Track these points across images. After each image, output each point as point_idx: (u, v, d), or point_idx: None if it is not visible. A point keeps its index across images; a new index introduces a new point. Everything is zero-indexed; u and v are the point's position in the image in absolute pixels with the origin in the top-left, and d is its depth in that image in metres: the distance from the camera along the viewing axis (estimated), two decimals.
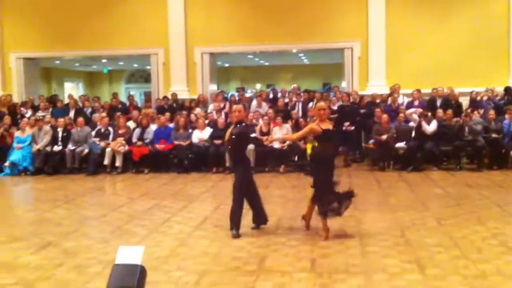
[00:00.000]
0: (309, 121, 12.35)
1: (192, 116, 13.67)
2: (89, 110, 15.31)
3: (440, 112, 12.54)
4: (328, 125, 6.81)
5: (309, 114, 12.91)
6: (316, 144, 6.91)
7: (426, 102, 13.70)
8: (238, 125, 7.01)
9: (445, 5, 15.30)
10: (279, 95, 16.05)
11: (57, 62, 22.44)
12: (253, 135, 11.30)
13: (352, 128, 13.26)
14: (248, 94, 20.24)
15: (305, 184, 10.60)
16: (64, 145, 12.96)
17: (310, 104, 14.09)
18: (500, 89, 14.37)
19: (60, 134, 13.16)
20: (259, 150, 12.04)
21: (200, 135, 12.86)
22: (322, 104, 7.03)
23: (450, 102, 13.57)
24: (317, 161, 6.86)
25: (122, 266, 3.29)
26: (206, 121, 13.30)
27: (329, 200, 6.63)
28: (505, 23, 15.02)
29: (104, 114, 14.06)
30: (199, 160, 12.72)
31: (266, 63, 28.76)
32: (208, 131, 12.92)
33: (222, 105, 14.64)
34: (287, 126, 12.54)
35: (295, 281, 5.20)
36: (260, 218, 7.21)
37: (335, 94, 14.83)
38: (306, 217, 7.08)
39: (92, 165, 12.59)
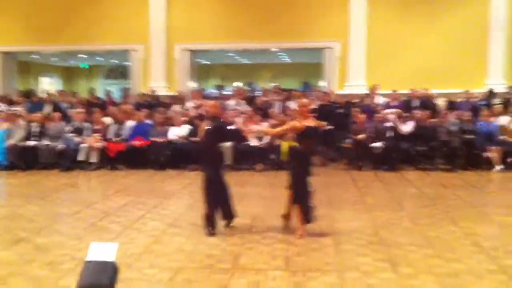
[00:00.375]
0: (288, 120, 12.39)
1: (170, 113, 13.58)
2: (65, 105, 15.12)
3: (417, 112, 12.65)
4: (310, 123, 6.73)
5: (287, 113, 12.92)
6: (294, 142, 6.84)
7: (404, 102, 13.81)
8: (213, 121, 6.93)
9: (426, 8, 15.45)
10: (258, 93, 16.04)
11: (35, 56, 22.14)
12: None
13: (331, 127, 13.27)
14: (227, 91, 20.17)
15: (281, 182, 10.61)
16: (39, 140, 12.78)
17: (289, 103, 14.11)
18: (477, 91, 14.54)
19: (35, 129, 12.97)
20: (236, 148, 12.01)
21: (178, 132, 12.78)
22: (305, 101, 7.01)
23: (427, 103, 13.70)
24: (297, 159, 6.81)
25: (94, 263, 3.24)
26: (183, 119, 13.21)
27: (312, 208, 6.72)
28: (484, 26, 15.20)
29: (80, 109, 13.89)
30: (176, 157, 12.65)
31: (247, 61, 28.74)
32: (185, 128, 12.85)
33: (200, 102, 14.55)
34: (266, 124, 12.53)
35: (270, 279, 5.20)
36: (228, 214, 7.12)
37: (314, 93, 14.84)
38: (286, 216, 7.06)
39: (66, 160, 12.44)
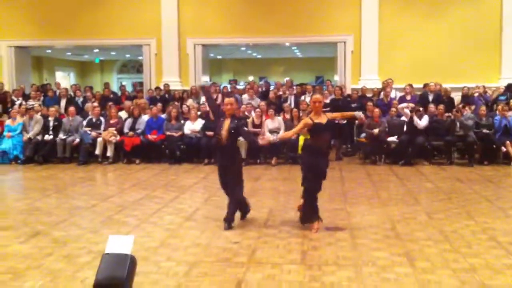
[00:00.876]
0: (302, 115, 12.39)
1: (184, 108, 13.63)
2: (81, 99, 15.24)
3: (431, 107, 12.58)
4: (322, 118, 6.67)
5: (301, 107, 12.91)
6: (309, 137, 6.85)
7: (418, 97, 13.75)
8: (233, 119, 6.92)
9: (439, 1, 15.33)
10: (271, 87, 16.04)
11: (49, 51, 22.25)
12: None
13: (344, 121, 13.27)
14: (240, 86, 20.19)
15: (296, 176, 10.63)
16: (55, 135, 12.89)
17: (303, 97, 14.11)
18: (492, 86, 14.43)
19: (51, 123, 13.08)
20: (250, 142, 12.00)
21: (192, 127, 12.82)
22: (317, 96, 6.94)
23: (442, 98, 13.62)
24: (308, 153, 6.79)
25: (112, 255, 3.25)
26: (198, 113, 13.26)
27: (313, 209, 6.74)
28: (498, 20, 15.09)
29: (95, 104, 13.98)
30: (191, 152, 12.71)
31: (259, 56, 28.73)
32: (200, 122, 12.89)
33: (214, 96, 14.59)
34: (279, 118, 12.54)
35: (285, 272, 5.20)
36: (245, 208, 7.17)
37: (327, 87, 14.81)
38: (301, 208, 7.02)
39: (83, 155, 12.54)
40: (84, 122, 13.15)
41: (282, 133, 8.02)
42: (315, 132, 6.67)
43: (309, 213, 6.76)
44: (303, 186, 6.77)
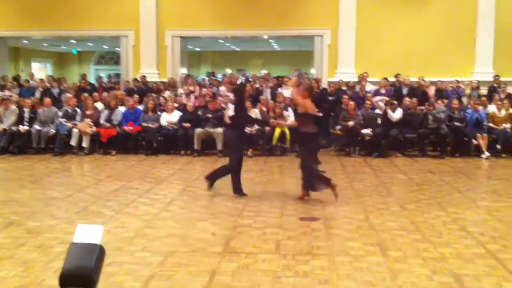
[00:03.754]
0: (277, 107, 12.50)
1: (162, 99, 13.61)
2: (57, 90, 15.11)
3: (406, 100, 12.76)
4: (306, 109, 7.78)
5: (277, 100, 12.99)
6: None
7: (392, 90, 13.93)
8: None
9: None
10: (250, 80, 16.08)
11: (26, 42, 22.00)
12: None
13: (321, 114, 13.37)
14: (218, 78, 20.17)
15: (271, 167, 10.74)
16: (31, 126, 12.78)
17: (279, 90, 14.19)
18: (464, 80, 14.68)
19: (26, 114, 12.96)
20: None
21: (169, 118, 12.82)
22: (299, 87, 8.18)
23: (416, 91, 13.82)
24: (312, 138, 7.89)
25: (80, 245, 3.24)
26: (175, 105, 13.25)
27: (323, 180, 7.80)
28: (473, 16, 15.29)
29: (72, 95, 13.88)
30: (168, 143, 12.71)
31: (237, 49, 28.71)
32: (177, 114, 12.89)
33: (192, 88, 14.61)
34: (256, 111, 12.59)
35: (260, 262, 5.28)
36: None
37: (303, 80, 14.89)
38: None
39: (58, 145, 12.45)
40: (60, 113, 13.05)
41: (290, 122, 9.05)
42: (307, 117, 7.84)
43: (321, 181, 7.79)
44: (309, 166, 7.75)
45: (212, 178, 8.34)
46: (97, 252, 3.26)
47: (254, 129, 12.21)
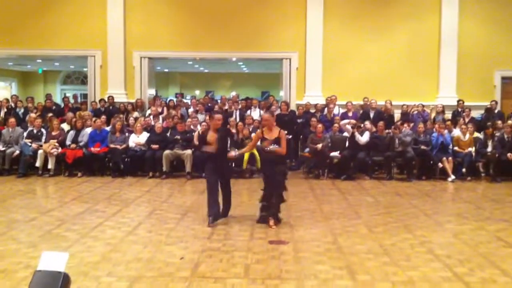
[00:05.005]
0: (246, 128, 12.54)
1: (131, 120, 13.49)
2: (22, 110, 14.83)
3: (367, 125, 12.90)
4: (274, 133, 7.72)
5: (246, 122, 13.03)
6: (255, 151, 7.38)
7: (359, 113, 14.12)
8: (219, 131, 7.87)
9: (380, 21, 15.84)
10: (219, 102, 16.07)
11: None
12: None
13: (290, 137, 13.45)
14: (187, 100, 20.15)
15: (240, 190, 10.69)
16: None
17: (248, 112, 14.23)
18: (428, 104, 14.99)
19: None
20: (196, 156, 11.99)
21: (137, 139, 12.70)
22: (266, 115, 7.95)
23: (383, 114, 14.03)
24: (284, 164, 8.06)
25: (45, 272, 3.15)
26: (143, 126, 13.15)
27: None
28: (436, 41, 15.72)
29: (36, 115, 13.64)
30: (135, 165, 12.57)
31: (206, 70, 28.79)
32: (145, 135, 12.78)
33: (160, 109, 14.54)
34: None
35: (229, 286, 5.21)
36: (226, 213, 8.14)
37: (271, 103, 14.96)
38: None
39: (22, 167, 12.19)
40: (25, 134, 12.80)
41: (241, 150, 8.80)
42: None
43: (277, 211, 7.76)
44: (280, 191, 7.79)
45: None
46: (62, 280, 3.17)
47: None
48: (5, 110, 14.77)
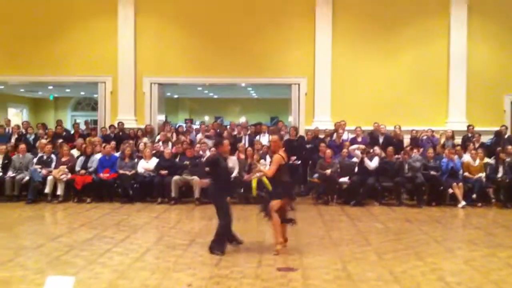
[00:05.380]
0: (255, 153, 12.55)
1: (141, 146, 13.54)
2: (32, 136, 14.95)
3: (376, 150, 12.85)
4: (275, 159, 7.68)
5: (256, 147, 13.04)
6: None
7: (368, 138, 14.09)
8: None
9: (389, 46, 15.92)
10: (228, 127, 16.11)
11: (1, 87, 21.86)
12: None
13: (298, 162, 13.45)
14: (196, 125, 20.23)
15: (249, 216, 10.65)
16: (4, 172, 12.56)
17: (257, 137, 14.25)
18: (438, 129, 14.96)
19: (0, 161, 12.74)
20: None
21: (146, 165, 12.73)
22: (274, 137, 7.92)
23: (392, 140, 13.99)
24: (282, 186, 7.76)
25: None
26: (153, 151, 13.19)
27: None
28: (445, 66, 15.74)
29: (46, 141, 13.73)
30: (144, 190, 12.57)
31: (215, 96, 28.97)
32: (154, 161, 12.81)
33: (169, 135, 14.60)
34: (234, 158, 12.58)
35: None
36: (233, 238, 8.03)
37: (280, 128, 14.97)
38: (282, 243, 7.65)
39: (32, 193, 12.22)
40: (35, 160, 12.87)
41: (260, 172, 8.89)
42: (284, 167, 7.71)
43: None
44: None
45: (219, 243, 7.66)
46: None
47: (232, 177, 12.15)
48: (16, 136, 14.90)
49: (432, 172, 12.43)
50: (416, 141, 14.06)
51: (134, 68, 16.23)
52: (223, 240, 7.61)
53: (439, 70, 15.78)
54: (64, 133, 15.56)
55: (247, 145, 13.79)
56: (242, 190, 12.40)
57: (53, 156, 12.98)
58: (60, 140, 13.79)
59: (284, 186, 7.74)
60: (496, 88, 15.70)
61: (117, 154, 13.14)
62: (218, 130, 15.36)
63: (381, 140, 14.07)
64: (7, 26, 16.35)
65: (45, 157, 12.90)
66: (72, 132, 16.16)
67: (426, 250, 7.93)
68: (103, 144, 13.40)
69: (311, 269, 6.78)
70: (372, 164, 12.48)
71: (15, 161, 12.74)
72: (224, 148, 8.09)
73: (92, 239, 8.46)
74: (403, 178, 12.41)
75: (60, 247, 7.90)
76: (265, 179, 11.63)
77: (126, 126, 15.48)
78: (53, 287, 3.08)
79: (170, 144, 13.98)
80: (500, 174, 12.57)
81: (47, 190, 12.31)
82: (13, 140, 14.53)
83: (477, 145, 13.70)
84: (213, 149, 12.64)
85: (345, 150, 12.99)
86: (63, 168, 12.52)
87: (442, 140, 14.50)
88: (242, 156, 12.88)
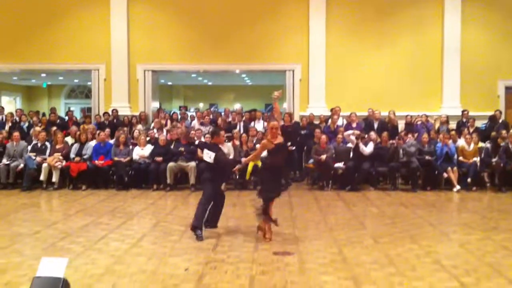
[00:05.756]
0: (250, 140, 12.54)
1: (135, 133, 13.51)
2: (26, 124, 14.89)
3: (371, 135, 12.87)
4: (279, 140, 7.51)
5: (250, 134, 13.03)
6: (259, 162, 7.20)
7: (363, 124, 14.10)
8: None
9: (384, 32, 15.91)
10: (222, 115, 16.09)
11: None
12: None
13: (293, 148, 13.45)
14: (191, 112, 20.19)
15: (244, 201, 10.67)
16: None
17: (252, 124, 14.24)
18: (432, 114, 14.99)
19: None
20: (200, 168, 11.97)
21: (141, 152, 12.71)
22: (274, 123, 7.63)
23: (386, 125, 14.01)
24: (269, 171, 7.62)
25: (44, 279, 3.09)
26: (147, 138, 13.17)
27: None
28: (439, 52, 15.77)
29: (40, 128, 13.68)
30: (139, 177, 12.57)
31: (209, 83, 28.86)
32: (149, 148, 12.79)
33: (163, 122, 14.56)
34: (229, 144, 12.57)
35: None
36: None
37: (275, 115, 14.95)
38: (262, 228, 7.58)
39: (27, 180, 12.19)
40: (29, 147, 12.83)
41: (246, 158, 8.83)
42: (274, 152, 7.49)
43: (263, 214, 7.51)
44: (261, 197, 7.55)
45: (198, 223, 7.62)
46: (60, 286, 3.12)
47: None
48: (10, 124, 14.83)
49: (427, 157, 12.47)
50: (410, 126, 14.08)
51: (127, 55, 16.14)
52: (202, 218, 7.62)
53: (434, 56, 15.81)
54: (58, 120, 15.49)
55: (242, 131, 13.77)
56: (237, 177, 12.42)
57: (47, 143, 12.93)
58: (55, 128, 13.72)
59: (271, 184, 7.57)
60: (490, 73, 15.75)
61: (111, 142, 13.10)
62: (212, 117, 15.33)
63: (376, 125, 14.09)
64: None
65: (39, 145, 12.85)
66: (66, 119, 16.10)
67: (421, 233, 7.97)
68: (97, 132, 13.36)
69: (307, 253, 6.81)
70: (367, 149, 12.50)
71: (9, 149, 12.69)
72: (221, 139, 8.12)
73: (88, 226, 8.46)
74: (398, 163, 12.46)
75: (56, 233, 7.90)
76: (259, 164, 11.65)
77: (120, 113, 15.43)
78: (47, 268, 3.04)
79: (164, 131, 13.95)
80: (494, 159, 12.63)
81: (42, 177, 12.29)
82: (6, 128, 14.45)
83: (471, 129, 13.74)
84: (208, 136, 12.65)
85: (339, 136, 13.00)
86: (58, 155, 12.49)
87: (437, 125, 14.54)
88: (237, 142, 12.87)
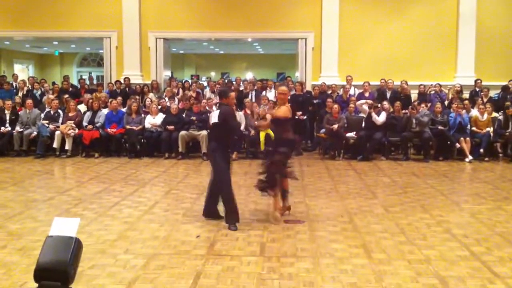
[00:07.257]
0: (261, 109, 12.49)
1: (147, 101, 13.53)
2: (39, 92, 14.95)
3: (384, 104, 12.77)
4: (283, 111, 7.03)
5: (262, 102, 13.00)
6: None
7: (376, 93, 13.99)
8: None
9: (398, 0, 15.63)
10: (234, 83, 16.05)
11: (7, 43, 21.75)
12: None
13: (304, 117, 13.42)
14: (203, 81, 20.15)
15: (256, 170, 10.67)
16: (12, 128, 12.61)
17: (263, 93, 14.19)
18: (446, 84, 14.81)
19: (7, 116, 12.78)
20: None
21: (153, 121, 12.74)
22: (283, 88, 7.33)
23: (399, 95, 13.89)
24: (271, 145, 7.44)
25: (56, 238, 3.10)
26: (159, 107, 13.18)
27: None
28: (454, 21, 15.49)
29: (53, 96, 13.73)
30: (151, 146, 12.63)
31: (221, 52, 28.73)
32: (160, 116, 12.81)
33: (175, 91, 14.55)
34: (241, 113, 12.55)
35: (244, 264, 5.24)
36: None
37: (288, 84, 14.89)
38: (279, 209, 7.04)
39: (40, 148, 12.29)
40: (42, 115, 12.90)
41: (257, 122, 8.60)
42: (275, 124, 7.17)
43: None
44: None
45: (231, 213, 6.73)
46: (73, 245, 3.12)
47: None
48: (23, 92, 14.89)
49: (440, 127, 12.38)
50: (424, 96, 13.95)
51: (139, 23, 16.03)
52: (234, 208, 6.67)
53: (448, 25, 15.54)
54: (71, 88, 15.53)
55: (253, 100, 13.74)
56: (249, 146, 12.44)
57: (60, 111, 12.99)
58: (67, 96, 13.76)
59: (288, 143, 7.05)
60: (506, 42, 15.46)
61: (123, 110, 13.13)
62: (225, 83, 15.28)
63: (388, 95, 13.98)
64: None
65: (52, 113, 12.91)
66: (79, 87, 16.13)
67: (433, 203, 7.97)
68: (110, 100, 13.39)
69: (317, 222, 6.85)
70: (380, 119, 12.43)
71: (22, 116, 12.76)
72: (230, 100, 6.88)
73: (101, 193, 8.55)
74: (411, 133, 12.37)
75: (69, 200, 8.01)
76: (272, 135, 11.64)
77: (132, 81, 15.41)
78: (59, 227, 3.06)
79: (176, 99, 13.94)
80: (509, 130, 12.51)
81: (55, 145, 12.38)
82: (19, 96, 14.52)
83: (485, 99, 13.58)
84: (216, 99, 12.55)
85: (351, 105, 12.93)
86: (70, 123, 12.55)
87: (450, 95, 14.38)
88: (249, 111, 12.85)
